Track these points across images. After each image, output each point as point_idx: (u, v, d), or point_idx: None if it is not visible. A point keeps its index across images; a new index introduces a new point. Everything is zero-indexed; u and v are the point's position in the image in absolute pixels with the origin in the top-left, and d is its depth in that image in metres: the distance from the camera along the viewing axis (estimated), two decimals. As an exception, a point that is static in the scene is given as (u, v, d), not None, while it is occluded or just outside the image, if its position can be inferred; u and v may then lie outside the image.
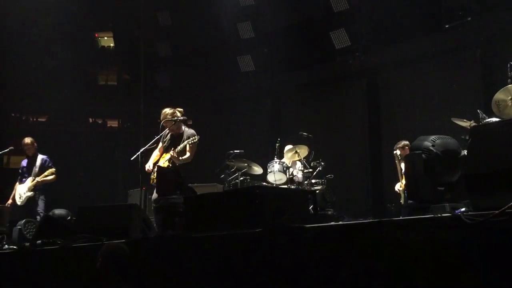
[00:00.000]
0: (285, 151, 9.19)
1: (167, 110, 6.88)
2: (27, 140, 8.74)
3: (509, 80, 6.43)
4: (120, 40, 14.73)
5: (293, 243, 3.72)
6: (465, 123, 6.82)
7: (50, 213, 7.55)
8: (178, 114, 6.87)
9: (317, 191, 8.37)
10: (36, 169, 8.55)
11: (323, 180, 8.84)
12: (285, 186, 8.70)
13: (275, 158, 9.12)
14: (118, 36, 14.79)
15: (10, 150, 8.98)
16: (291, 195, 5.10)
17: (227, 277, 4.00)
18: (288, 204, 4.56)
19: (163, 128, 6.93)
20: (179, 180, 6.10)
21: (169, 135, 6.99)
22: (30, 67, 12.71)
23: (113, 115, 15.11)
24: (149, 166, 6.87)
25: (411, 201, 6.31)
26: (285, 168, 8.87)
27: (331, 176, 8.89)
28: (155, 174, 6.62)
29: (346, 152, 11.11)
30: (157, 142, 6.96)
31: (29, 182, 8.49)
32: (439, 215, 3.49)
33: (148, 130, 8.97)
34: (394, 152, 7.99)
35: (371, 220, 4.70)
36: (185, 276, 4.28)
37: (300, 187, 8.73)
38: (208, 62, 13.06)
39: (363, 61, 10.98)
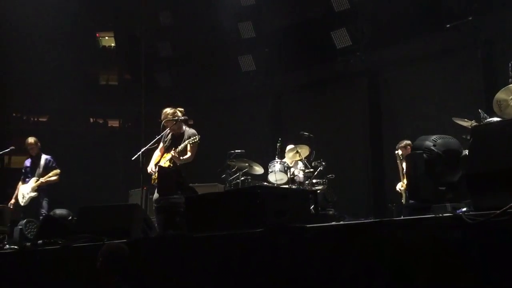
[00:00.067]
0: (286, 151, 9.19)
1: (168, 110, 6.87)
2: (31, 139, 8.68)
3: (510, 80, 6.41)
4: (121, 40, 14.76)
5: (294, 243, 3.71)
6: (466, 123, 6.81)
7: (51, 213, 7.55)
8: (179, 114, 6.87)
9: (318, 191, 8.37)
10: (40, 169, 8.49)
11: (324, 180, 8.84)
12: (286, 186, 8.70)
13: (276, 158, 9.12)
14: (119, 36, 14.82)
15: (11, 150, 8.92)
16: (292, 195, 5.08)
17: (228, 277, 4.00)
18: (289, 204, 4.56)
19: (164, 128, 6.93)
20: (180, 180, 6.10)
21: (170, 135, 6.99)
22: (31, 67, 12.71)
23: (114, 115, 15.14)
24: (151, 168, 6.86)
25: (412, 201, 6.31)
26: (286, 168, 8.87)
27: (332, 176, 8.89)
28: (156, 174, 6.62)
29: (347, 152, 11.11)
30: (158, 142, 6.96)
31: (32, 182, 8.44)
32: (440, 215, 3.49)
33: (149, 130, 8.95)
34: (396, 152, 7.99)
35: (372, 220, 4.70)
36: (186, 276, 4.28)
37: (301, 187, 8.73)
38: (209, 62, 13.05)
39: (364, 61, 10.97)
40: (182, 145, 6.71)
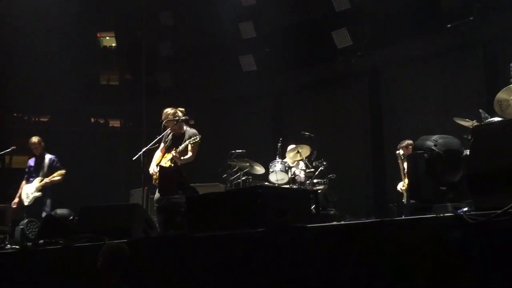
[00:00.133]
0: (287, 150, 9.19)
1: (169, 110, 6.88)
2: (34, 139, 8.67)
3: (511, 80, 6.41)
4: (122, 40, 14.76)
5: (295, 243, 3.71)
6: (467, 123, 6.80)
7: (52, 213, 7.56)
8: (180, 114, 6.87)
9: (319, 191, 8.37)
10: (44, 169, 8.48)
11: (325, 180, 8.84)
12: (287, 186, 8.70)
13: (277, 158, 9.13)
14: (120, 36, 14.82)
15: (12, 150, 8.93)
16: (293, 195, 5.09)
17: (229, 277, 4.00)
18: (290, 204, 4.56)
19: (165, 128, 6.93)
20: (181, 180, 6.10)
21: (170, 135, 6.99)
22: (32, 67, 12.72)
23: (115, 115, 15.13)
24: (153, 169, 6.86)
25: (413, 201, 6.30)
26: (287, 168, 8.88)
27: (333, 175, 8.88)
28: (157, 174, 6.63)
29: (348, 152, 11.10)
30: (159, 142, 6.95)
31: (37, 182, 8.43)
32: (441, 214, 3.48)
33: (150, 130, 8.97)
34: (397, 151, 7.99)
35: (373, 220, 4.70)
36: (186, 276, 4.28)
37: (302, 186, 8.73)
38: (210, 62, 13.05)
39: (365, 61, 10.97)
40: (183, 145, 6.71)
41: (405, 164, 7.45)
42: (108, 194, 11.81)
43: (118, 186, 12.63)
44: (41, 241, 5.59)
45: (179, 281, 4.32)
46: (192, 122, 8.79)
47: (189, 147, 6.72)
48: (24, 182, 8.62)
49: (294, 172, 8.87)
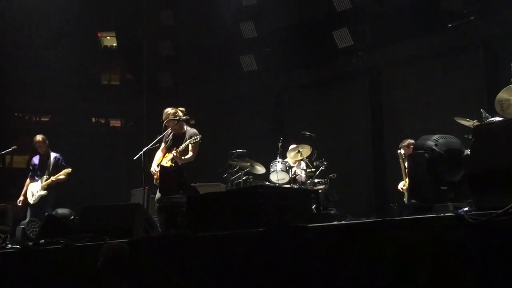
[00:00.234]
0: (288, 150, 9.19)
1: (169, 110, 6.88)
2: (39, 137, 8.64)
3: (511, 80, 6.41)
4: (122, 40, 14.75)
5: (296, 243, 3.72)
6: (468, 123, 6.81)
7: (53, 213, 7.56)
8: (180, 113, 6.88)
9: (320, 191, 8.36)
10: (50, 167, 8.46)
11: (326, 180, 8.83)
12: (288, 186, 8.70)
13: (278, 158, 9.12)
14: (120, 36, 14.81)
15: (13, 149, 8.92)
16: (294, 195, 5.09)
17: (229, 277, 4.00)
18: (290, 203, 4.56)
19: (166, 128, 6.93)
20: (182, 180, 6.11)
21: (171, 134, 7.00)
22: (33, 67, 12.72)
23: (115, 115, 15.14)
24: (153, 169, 6.87)
25: (414, 201, 6.30)
26: (287, 168, 8.88)
27: (333, 175, 8.88)
28: (158, 174, 6.63)
29: (349, 152, 11.10)
30: (159, 142, 6.96)
31: (42, 180, 8.43)
32: (442, 214, 3.48)
33: (150, 129, 8.98)
34: (398, 151, 7.98)
35: (373, 220, 4.70)
36: (187, 276, 4.28)
37: (302, 186, 8.73)
38: (210, 62, 13.05)
39: (366, 61, 10.96)
40: (184, 145, 6.72)
41: (407, 164, 7.45)
42: (109, 193, 11.82)
43: (119, 185, 12.63)
44: (42, 240, 5.59)
45: (179, 281, 4.32)
46: (192, 122, 8.80)
47: (190, 147, 6.73)
48: (28, 180, 8.60)
49: (295, 172, 8.87)
